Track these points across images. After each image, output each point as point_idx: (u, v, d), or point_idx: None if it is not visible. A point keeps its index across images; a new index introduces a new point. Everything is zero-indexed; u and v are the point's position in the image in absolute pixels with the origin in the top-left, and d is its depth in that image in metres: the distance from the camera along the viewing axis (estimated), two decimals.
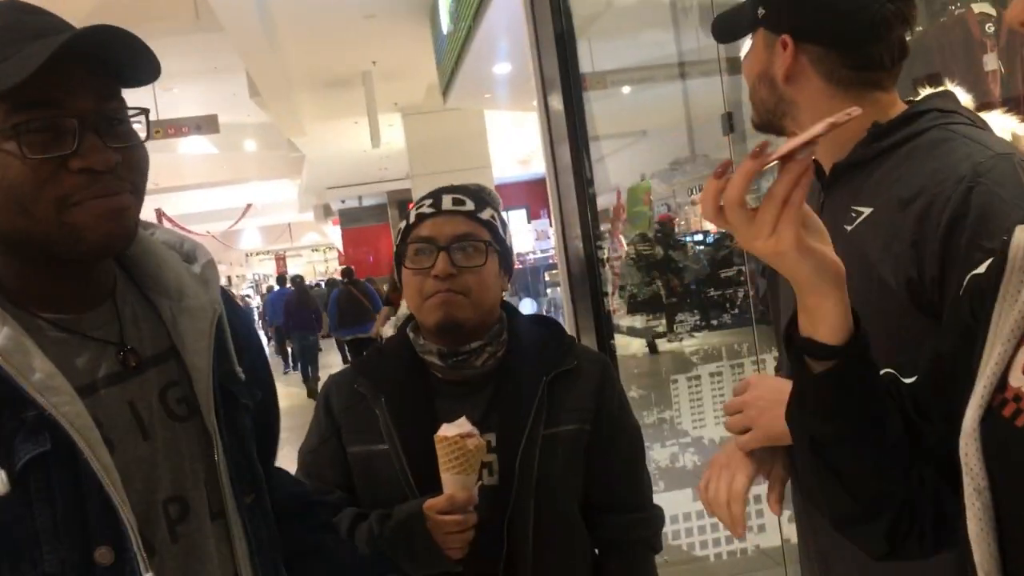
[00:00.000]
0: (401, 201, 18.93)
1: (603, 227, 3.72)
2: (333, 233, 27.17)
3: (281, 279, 16.75)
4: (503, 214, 1.63)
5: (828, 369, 0.87)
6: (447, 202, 1.55)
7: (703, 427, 3.49)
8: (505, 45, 7.28)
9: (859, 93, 1.25)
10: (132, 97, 1.00)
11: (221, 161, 18.29)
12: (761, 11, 1.28)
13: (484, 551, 1.43)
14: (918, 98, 1.29)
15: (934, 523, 0.90)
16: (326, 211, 25.48)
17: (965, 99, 1.30)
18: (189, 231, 14.57)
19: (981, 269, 0.87)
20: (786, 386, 0.94)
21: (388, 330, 10.40)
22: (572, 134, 3.14)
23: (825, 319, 0.87)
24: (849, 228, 1.19)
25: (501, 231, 1.57)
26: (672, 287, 4.84)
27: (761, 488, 1.29)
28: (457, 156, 11.82)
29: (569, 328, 3.11)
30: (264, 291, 21.06)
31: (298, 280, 14.12)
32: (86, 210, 0.93)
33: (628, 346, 6.62)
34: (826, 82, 1.25)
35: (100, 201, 0.94)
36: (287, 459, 1.33)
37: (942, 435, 0.85)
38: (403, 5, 8.53)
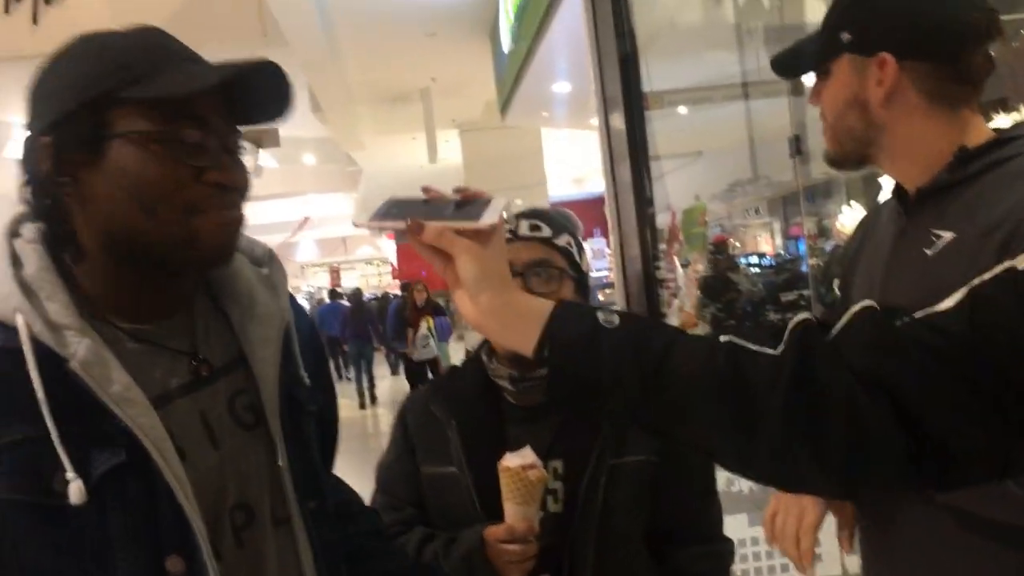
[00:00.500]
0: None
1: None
2: (387, 247, 27.41)
3: (333, 293, 17.12)
4: (580, 239, 1.62)
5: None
6: (524, 228, 1.55)
7: None
8: (565, 64, 7.31)
9: (954, 111, 1.22)
10: None
11: (280, 174, 18.60)
12: (846, 36, 1.24)
13: None
14: (991, 123, 1.26)
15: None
16: None
17: None
18: None
19: (1021, 264, 0.83)
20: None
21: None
22: (633, 153, 3.13)
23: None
24: (930, 252, 1.17)
25: (577, 257, 1.57)
26: (732, 309, 4.79)
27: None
28: (513, 173, 11.86)
29: None
30: (315, 303, 21.41)
31: (357, 293, 14.69)
32: (209, 219, 0.97)
33: None
34: (925, 99, 1.22)
35: (223, 213, 0.99)
36: (338, 470, 1.34)
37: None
38: (464, 23, 8.62)
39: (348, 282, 28.40)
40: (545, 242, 1.54)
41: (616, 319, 0.88)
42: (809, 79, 1.36)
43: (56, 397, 0.90)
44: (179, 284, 1.06)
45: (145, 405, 0.94)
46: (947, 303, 0.86)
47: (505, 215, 0.94)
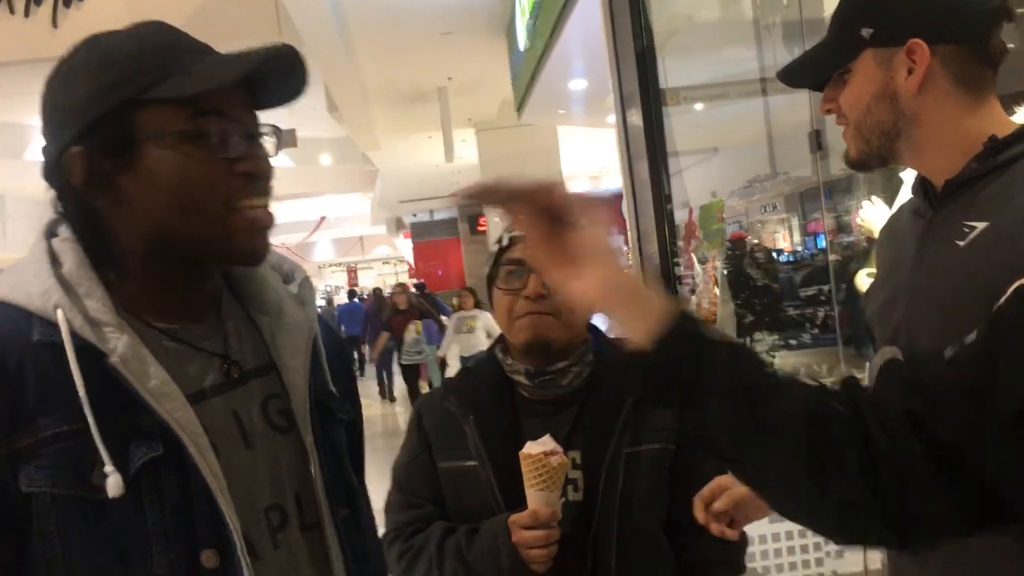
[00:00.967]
0: (472, 216, 19.03)
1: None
2: (403, 246, 27.47)
3: (351, 293, 17.28)
4: None
5: None
6: None
7: None
8: (581, 62, 7.29)
9: (984, 95, 1.21)
10: None
11: (297, 174, 18.66)
12: (867, 31, 1.22)
13: (569, 566, 1.45)
14: (1013, 117, 1.25)
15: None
16: (398, 224, 25.78)
17: None
18: None
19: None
20: None
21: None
22: (651, 150, 3.13)
23: None
24: (962, 243, 1.15)
25: None
26: (752, 305, 4.77)
27: None
28: (529, 172, 11.80)
29: None
30: (331, 302, 21.61)
31: (378, 292, 15.20)
32: (244, 218, 0.99)
33: None
34: (956, 85, 1.20)
35: (256, 212, 1.00)
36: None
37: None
38: (480, 22, 8.61)
39: (365, 281, 28.49)
40: None
41: (717, 334, 0.93)
42: None
43: (95, 392, 0.92)
44: (209, 287, 1.07)
45: (182, 400, 0.96)
46: (971, 336, 0.88)
47: None
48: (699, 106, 5.57)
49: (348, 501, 1.13)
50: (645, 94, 3.13)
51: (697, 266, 4.89)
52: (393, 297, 11.06)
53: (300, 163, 17.75)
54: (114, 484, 0.90)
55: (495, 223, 12.94)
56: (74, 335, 0.93)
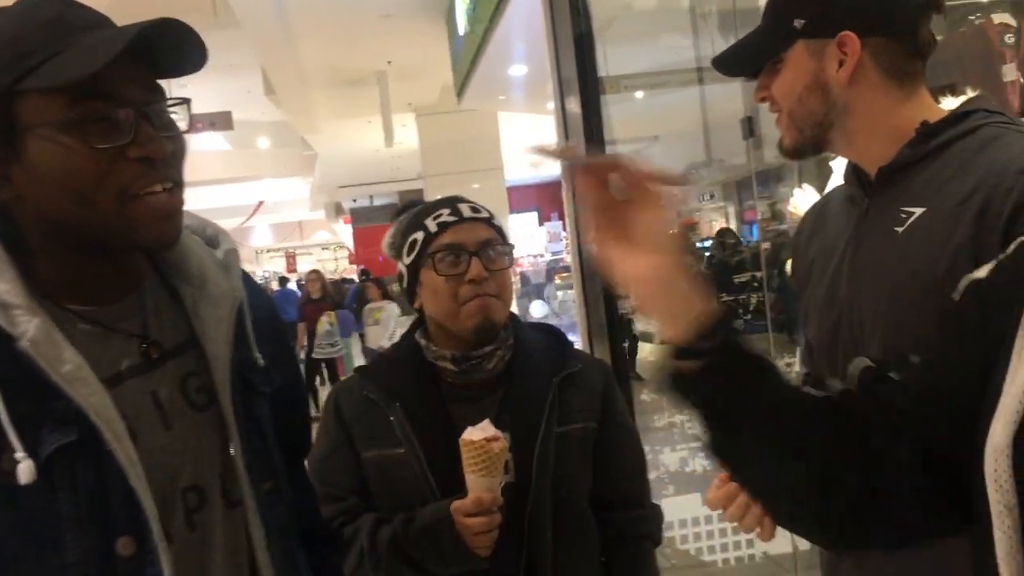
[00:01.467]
0: (412, 202, 18.87)
1: None
2: (343, 232, 27.20)
3: (283, 280, 16.91)
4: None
5: None
6: (466, 210, 1.60)
7: None
8: (522, 47, 7.28)
9: (914, 86, 1.24)
10: None
11: (234, 158, 18.35)
12: (799, 22, 1.24)
13: (505, 548, 1.45)
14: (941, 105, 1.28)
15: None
16: (337, 210, 25.50)
17: None
18: None
19: (982, 273, 0.84)
20: None
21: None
22: (589, 136, 3.14)
23: None
24: (900, 230, 1.18)
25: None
26: None
27: None
28: (469, 157, 11.81)
29: (582, 330, 3.11)
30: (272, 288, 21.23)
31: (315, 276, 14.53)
32: (145, 206, 0.95)
33: (641, 349, 6.62)
34: (885, 76, 1.23)
35: (157, 198, 0.96)
36: None
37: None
38: (420, 5, 8.55)
39: (304, 267, 28.10)
40: (487, 222, 1.60)
41: (747, 345, 0.91)
42: None
43: (5, 376, 0.89)
44: (126, 267, 1.04)
45: (96, 385, 0.93)
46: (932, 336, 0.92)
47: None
48: (639, 94, 5.62)
49: (272, 474, 1.11)
50: (583, 81, 3.14)
51: None
52: (307, 284, 10.01)
53: (237, 146, 17.45)
54: (25, 470, 0.88)
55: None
56: None
